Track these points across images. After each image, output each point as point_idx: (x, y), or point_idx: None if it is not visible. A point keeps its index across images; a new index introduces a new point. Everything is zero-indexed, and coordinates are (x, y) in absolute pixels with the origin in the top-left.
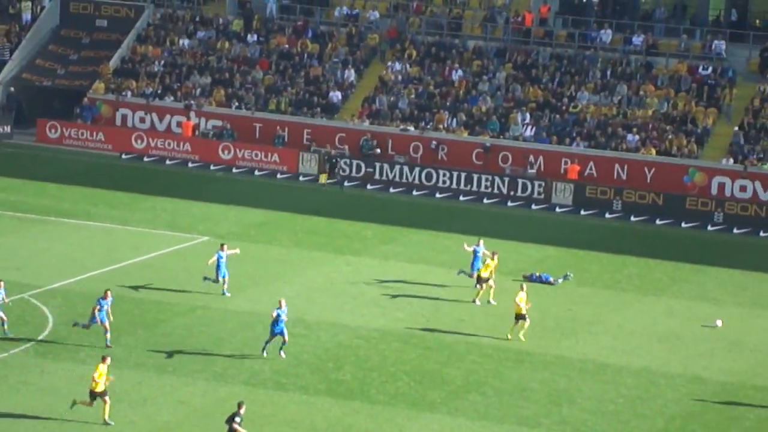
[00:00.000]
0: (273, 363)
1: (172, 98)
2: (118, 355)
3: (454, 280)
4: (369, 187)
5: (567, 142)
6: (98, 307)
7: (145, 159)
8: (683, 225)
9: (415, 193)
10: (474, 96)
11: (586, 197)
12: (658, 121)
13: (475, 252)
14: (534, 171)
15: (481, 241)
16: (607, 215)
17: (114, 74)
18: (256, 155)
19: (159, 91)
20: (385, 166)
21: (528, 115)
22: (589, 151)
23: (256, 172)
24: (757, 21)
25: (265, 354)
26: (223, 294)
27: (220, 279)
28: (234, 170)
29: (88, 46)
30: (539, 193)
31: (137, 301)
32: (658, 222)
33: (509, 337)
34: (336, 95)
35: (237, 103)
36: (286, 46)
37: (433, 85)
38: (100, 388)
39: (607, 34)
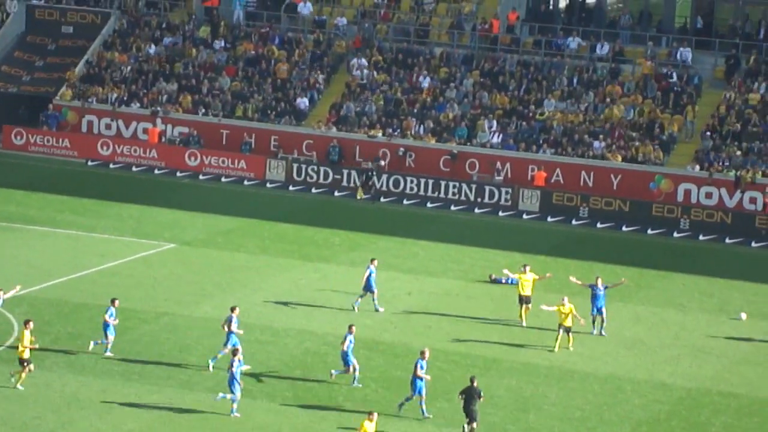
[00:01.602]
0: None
1: (138, 105)
2: (84, 363)
3: (421, 288)
4: (337, 194)
5: (534, 149)
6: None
7: (111, 166)
8: (649, 231)
9: (382, 199)
10: (441, 103)
11: (552, 204)
12: (624, 128)
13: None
14: (501, 178)
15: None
16: (574, 222)
17: (80, 81)
18: (223, 162)
19: (125, 98)
20: (353, 173)
21: (495, 122)
22: (556, 158)
23: (223, 179)
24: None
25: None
26: (376, 310)
27: (370, 293)
28: (201, 177)
29: (53, 52)
30: (506, 200)
31: (103, 309)
32: (624, 228)
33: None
34: (303, 101)
35: (204, 110)
36: (253, 52)
37: (400, 91)
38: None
39: (573, 42)
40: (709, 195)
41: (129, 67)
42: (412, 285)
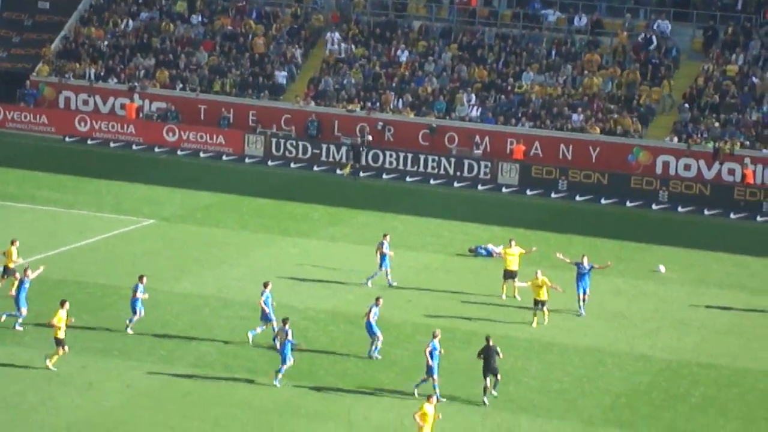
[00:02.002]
0: (220, 345)
1: (115, 80)
2: (65, 340)
3: (400, 262)
4: (316, 168)
5: (513, 123)
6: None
7: (89, 142)
8: (628, 204)
9: (361, 174)
10: (420, 77)
11: (531, 177)
12: (602, 100)
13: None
14: (480, 151)
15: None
16: (553, 195)
17: (56, 56)
18: (201, 137)
19: (102, 74)
20: (332, 147)
21: (474, 96)
22: (535, 131)
23: (202, 154)
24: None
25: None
26: (389, 285)
27: (382, 270)
28: (179, 152)
29: (30, 28)
30: (485, 174)
31: (82, 285)
32: (603, 201)
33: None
34: (281, 76)
35: (181, 85)
36: (230, 27)
37: (378, 65)
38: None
39: (552, 14)
40: (687, 167)
41: (106, 43)
42: (393, 259)
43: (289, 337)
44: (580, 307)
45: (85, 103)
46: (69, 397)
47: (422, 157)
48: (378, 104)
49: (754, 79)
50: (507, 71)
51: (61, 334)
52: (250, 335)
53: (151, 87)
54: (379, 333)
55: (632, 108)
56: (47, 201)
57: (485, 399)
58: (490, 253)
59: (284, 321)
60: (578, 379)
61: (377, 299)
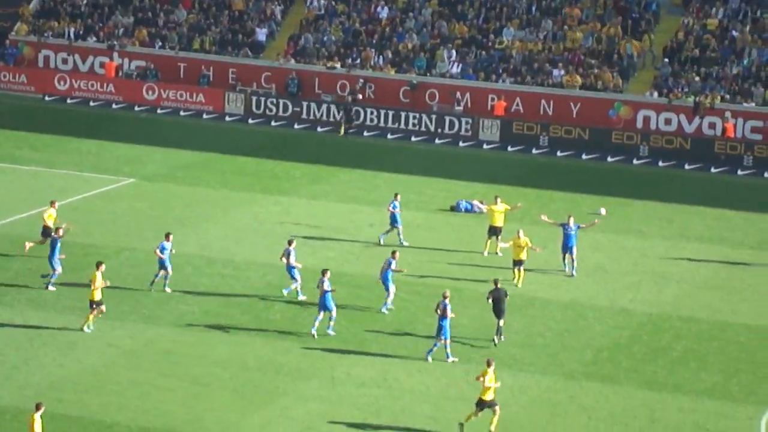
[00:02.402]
0: (202, 304)
1: (94, 39)
2: (46, 299)
3: (383, 219)
4: (297, 126)
5: (493, 79)
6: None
7: (69, 101)
8: (609, 159)
9: (352, 132)
10: (400, 33)
11: (512, 133)
12: (583, 55)
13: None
14: (461, 108)
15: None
16: (534, 151)
17: (35, 15)
18: (181, 95)
19: (81, 32)
20: (313, 105)
21: (454, 52)
22: (516, 87)
23: (182, 113)
24: None
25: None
26: (401, 244)
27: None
28: (159, 111)
29: None
30: (466, 130)
31: (63, 244)
32: (584, 156)
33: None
34: (261, 33)
35: (161, 43)
36: None
37: (358, 22)
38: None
39: None
40: (668, 121)
41: (84, 1)
42: (373, 217)
43: (326, 287)
44: (564, 266)
45: (65, 62)
46: (51, 356)
47: (403, 114)
48: (358, 61)
49: (734, 33)
50: (487, 27)
51: (97, 296)
52: (284, 292)
53: (130, 45)
54: (392, 288)
55: (613, 63)
56: (27, 160)
57: (495, 339)
58: (471, 208)
59: (323, 272)
60: (560, 333)
61: (393, 253)
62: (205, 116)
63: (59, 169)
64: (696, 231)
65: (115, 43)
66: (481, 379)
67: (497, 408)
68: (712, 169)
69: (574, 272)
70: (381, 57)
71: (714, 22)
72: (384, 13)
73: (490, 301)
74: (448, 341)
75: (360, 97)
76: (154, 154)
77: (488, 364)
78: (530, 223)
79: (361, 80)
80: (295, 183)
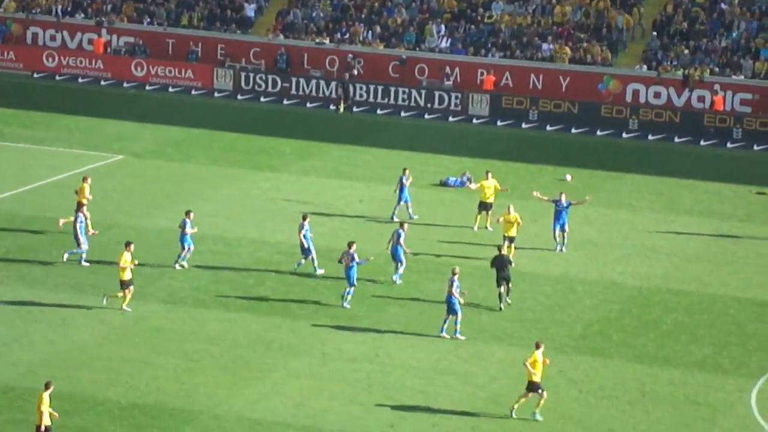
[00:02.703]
0: (192, 280)
1: (82, 15)
2: (36, 276)
3: (372, 195)
4: (286, 102)
5: (483, 53)
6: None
7: (57, 77)
8: (598, 133)
9: (332, 107)
10: (389, 7)
11: (502, 108)
12: (572, 29)
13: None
14: (450, 82)
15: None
16: (524, 125)
17: None
18: (170, 71)
19: (69, 9)
20: (302, 80)
21: (443, 27)
22: (505, 62)
23: (171, 89)
24: None
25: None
26: (410, 218)
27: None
28: (147, 87)
29: None
30: (456, 105)
31: (53, 221)
32: (573, 130)
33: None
34: (250, 8)
35: (149, 19)
36: None
37: None
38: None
39: None
40: (657, 95)
41: None
42: (363, 192)
43: (356, 259)
44: (556, 243)
45: (53, 38)
46: (42, 332)
47: (392, 90)
48: (347, 36)
49: (723, 6)
50: (476, 1)
51: (126, 275)
52: (296, 265)
53: (118, 22)
54: (404, 259)
55: (602, 36)
56: (17, 138)
57: (501, 305)
58: (463, 183)
59: (350, 244)
60: (550, 307)
61: (401, 224)
62: (193, 92)
63: (48, 146)
64: (686, 204)
65: (104, 19)
66: (529, 362)
67: (544, 392)
68: (702, 142)
69: (563, 249)
70: (370, 32)
71: None
72: None
73: (493, 268)
74: (459, 317)
75: (356, 73)
76: (143, 131)
77: (537, 347)
78: (520, 197)
79: (350, 55)
80: (285, 159)
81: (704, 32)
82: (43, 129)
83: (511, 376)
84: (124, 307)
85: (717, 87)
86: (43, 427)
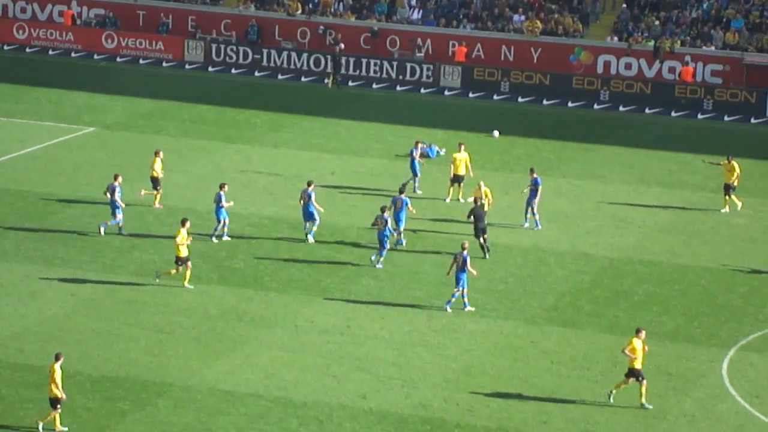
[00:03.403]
0: (163, 253)
1: None
2: (6, 248)
3: (344, 167)
4: (257, 74)
5: (454, 25)
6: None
7: (27, 50)
8: (570, 104)
9: (303, 79)
10: None
11: (474, 79)
12: (543, 0)
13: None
14: (422, 54)
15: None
16: (495, 97)
17: None
18: (141, 43)
19: None
20: (273, 52)
21: None
22: (476, 33)
23: (141, 61)
24: None
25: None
26: (414, 191)
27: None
28: (118, 59)
29: None
30: (428, 77)
31: (23, 194)
32: (545, 102)
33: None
34: None
35: None
36: None
37: None
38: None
39: None
40: (628, 66)
41: None
42: (335, 164)
43: (389, 224)
44: (525, 220)
45: (23, 10)
46: (12, 306)
47: (364, 61)
48: (319, 8)
49: None
50: None
51: (183, 252)
52: (310, 237)
53: None
54: (401, 228)
55: (573, 8)
56: None
57: (486, 255)
58: (435, 153)
59: (382, 209)
60: (521, 279)
61: (382, 209)
62: (164, 64)
63: (19, 119)
64: (656, 175)
65: None
66: (627, 349)
67: (644, 380)
68: (673, 114)
69: (538, 226)
70: (341, 4)
71: None
72: None
73: (471, 218)
74: (466, 290)
75: (342, 46)
76: (113, 103)
77: (637, 333)
78: (491, 169)
79: (322, 27)
80: (256, 131)
81: (675, 3)
82: (12, 101)
83: (483, 347)
84: (186, 284)
85: (688, 58)
86: (63, 396)
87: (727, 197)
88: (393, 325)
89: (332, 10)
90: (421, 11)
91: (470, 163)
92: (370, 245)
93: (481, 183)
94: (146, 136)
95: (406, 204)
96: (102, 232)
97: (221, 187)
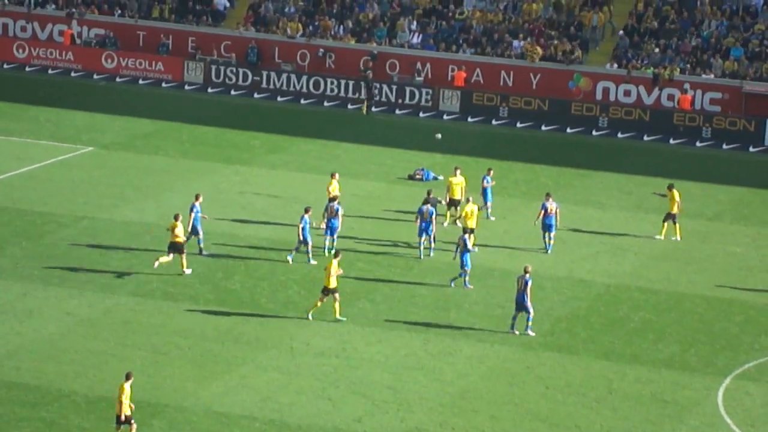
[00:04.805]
0: (161, 273)
1: (53, 6)
2: (3, 267)
3: (343, 190)
4: (256, 95)
5: (454, 49)
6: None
7: (27, 69)
8: (568, 130)
9: (302, 101)
10: (361, 2)
11: (473, 104)
12: (543, 26)
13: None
14: (421, 78)
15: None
16: (494, 122)
17: None
18: (140, 64)
19: (40, 0)
20: (273, 74)
21: (415, 22)
22: (476, 58)
23: (141, 81)
24: None
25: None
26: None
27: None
28: (118, 79)
29: None
30: (427, 101)
31: (21, 212)
32: (543, 128)
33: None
34: (222, 2)
35: (120, 11)
36: None
37: None
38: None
39: None
40: (627, 93)
41: None
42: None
43: (468, 246)
44: (545, 245)
45: (23, 29)
46: (9, 324)
47: (364, 85)
48: (319, 30)
49: (697, 4)
50: None
51: (332, 283)
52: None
53: (89, 13)
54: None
55: (572, 34)
56: None
57: (475, 249)
58: (432, 177)
59: (464, 231)
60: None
61: (467, 231)
62: (164, 85)
63: (17, 137)
64: (654, 202)
65: (74, 10)
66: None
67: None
68: (671, 141)
69: (549, 250)
70: (341, 27)
71: None
72: None
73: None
74: (531, 314)
75: (370, 74)
76: (113, 123)
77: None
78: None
79: (321, 50)
80: (255, 153)
81: (675, 31)
82: (12, 120)
83: (479, 372)
84: (338, 316)
85: (687, 86)
86: (123, 417)
87: (665, 224)
88: (389, 348)
89: (332, 32)
90: (420, 35)
91: (466, 186)
92: (368, 267)
93: (470, 199)
94: (144, 156)
95: (466, 242)
96: (290, 260)
97: (306, 210)
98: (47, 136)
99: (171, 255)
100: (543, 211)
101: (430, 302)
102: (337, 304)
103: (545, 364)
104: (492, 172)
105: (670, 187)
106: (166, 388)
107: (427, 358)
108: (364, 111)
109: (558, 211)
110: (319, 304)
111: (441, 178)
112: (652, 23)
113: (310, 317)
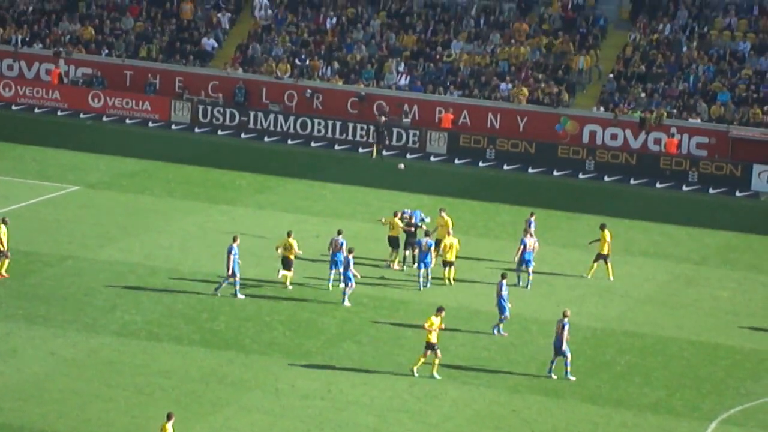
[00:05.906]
0: (145, 314)
1: (40, 45)
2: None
3: (329, 230)
4: (243, 135)
5: (441, 91)
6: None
7: (14, 107)
8: (555, 173)
9: (290, 141)
10: (348, 44)
11: (460, 146)
12: (530, 69)
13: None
14: (408, 120)
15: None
16: (481, 164)
17: None
18: (127, 103)
19: (27, 39)
20: (260, 114)
21: (402, 64)
22: (463, 100)
23: (128, 121)
24: None
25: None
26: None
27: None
28: (104, 119)
29: None
30: (414, 142)
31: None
32: (530, 170)
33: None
34: (210, 43)
35: (107, 51)
36: None
37: (306, 32)
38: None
39: None
40: (614, 136)
41: (30, 8)
42: (320, 227)
43: (503, 294)
44: (518, 280)
45: (10, 68)
46: None
47: (351, 125)
48: (306, 71)
49: (682, 49)
50: (436, 39)
51: (433, 338)
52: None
53: (76, 52)
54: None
55: (559, 78)
56: None
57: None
58: (420, 219)
59: (503, 276)
60: (504, 347)
61: (503, 275)
62: (150, 124)
63: (2, 176)
64: (641, 246)
65: (62, 49)
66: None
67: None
68: (658, 185)
69: (528, 286)
70: (329, 68)
71: (661, 38)
72: (331, 23)
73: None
74: (569, 358)
75: (384, 119)
76: (99, 162)
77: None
78: (476, 235)
79: (309, 91)
80: (241, 193)
81: (661, 75)
82: None
83: (465, 415)
84: (435, 374)
85: (673, 130)
86: None
87: (595, 264)
88: (374, 390)
89: (320, 73)
90: (408, 77)
91: (452, 227)
92: (354, 308)
93: (450, 232)
94: (130, 196)
95: (502, 288)
96: (347, 303)
97: (350, 251)
98: (33, 175)
99: (290, 269)
100: (522, 247)
101: (416, 344)
102: (437, 360)
103: (531, 407)
104: (534, 215)
105: (602, 227)
106: (149, 429)
107: (413, 400)
108: (374, 155)
109: (536, 247)
110: (422, 359)
111: (429, 219)
112: (639, 67)
113: (415, 374)
